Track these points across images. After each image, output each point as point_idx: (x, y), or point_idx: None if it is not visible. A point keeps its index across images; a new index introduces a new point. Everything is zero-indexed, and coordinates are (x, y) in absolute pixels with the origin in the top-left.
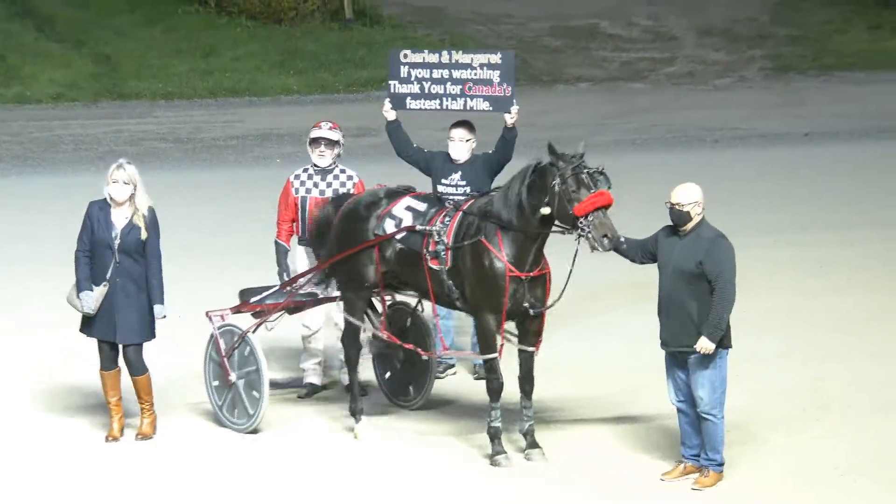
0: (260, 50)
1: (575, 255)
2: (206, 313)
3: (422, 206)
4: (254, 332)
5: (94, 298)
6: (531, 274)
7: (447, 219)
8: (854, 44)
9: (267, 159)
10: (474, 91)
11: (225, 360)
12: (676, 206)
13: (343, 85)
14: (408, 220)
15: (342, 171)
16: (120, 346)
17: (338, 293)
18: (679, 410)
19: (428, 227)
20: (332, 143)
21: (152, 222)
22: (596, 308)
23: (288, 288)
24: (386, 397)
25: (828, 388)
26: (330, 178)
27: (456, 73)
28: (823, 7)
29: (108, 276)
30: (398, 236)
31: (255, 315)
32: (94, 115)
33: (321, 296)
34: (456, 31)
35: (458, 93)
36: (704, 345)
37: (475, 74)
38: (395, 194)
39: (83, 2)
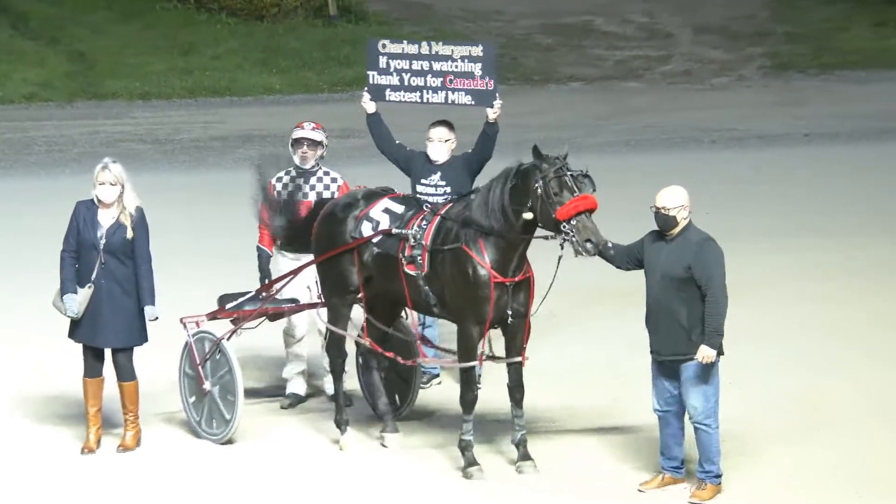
0: (241, 48)
1: (558, 262)
2: (181, 320)
3: (399, 209)
4: (228, 338)
5: (77, 301)
6: (515, 279)
7: (424, 223)
8: (856, 41)
9: (249, 161)
10: (455, 84)
11: (199, 367)
12: (662, 211)
13: (327, 84)
14: (385, 222)
15: (326, 174)
16: (108, 352)
17: (319, 299)
18: (660, 419)
19: (404, 231)
20: (314, 144)
21: (140, 222)
22: (582, 315)
23: (265, 293)
24: (371, 408)
25: (827, 396)
26: (313, 180)
27: (436, 66)
28: (824, 4)
29: (94, 277)
30: (375, 239)
31: (232, 322)
32: (68, 116)
33: (302, 302)
34: (444, 28)
35: (440, 85)
36: (706, 353)
37: (456, 67)
38: (372, 196)
39: None
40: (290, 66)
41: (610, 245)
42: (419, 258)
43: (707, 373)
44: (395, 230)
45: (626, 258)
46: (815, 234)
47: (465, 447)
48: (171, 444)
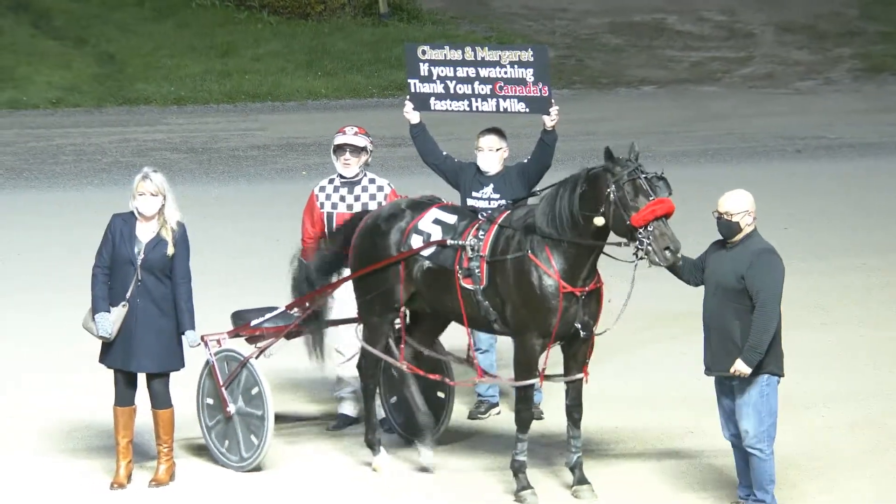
0: (284, 49)
1: (634, 273)
2: (202, 337)
3: (451, 219)
4: (257, 357)
5: (110, 321)
6: (586, 289)
7: (481, 232)
8: None
9: (291, 171)
10: (506, 91)
11: (223, 389)
12: (724, 216)
13: (377, 88)
14: (437, 234)
15: (371, 182)
16: (142, 377)
17: (343, 316)
18: (732, 445)
19: (461, 242)
20: (358, 150)
21: (182, 238)
22: (643, 338)
23: (294, 310)
24: (397, 433)
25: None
26: (357, 189)
27: (484, 72)
28: None
29: (129, 295)
30: (425, 252)
31: (249, 340)
32: (97, 123)
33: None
34: (503, 28)
35: (489, 93)
36: (739, 367)
37: (505, 73)
38: (419, 206)
39: None
40: (336, 68)
41: (680, 256)
42: (477, 270)
43: (761, 393)
44: (450, 241)
45: (693, 271)
46: None
47: (518, 469)
48: (206, 478)
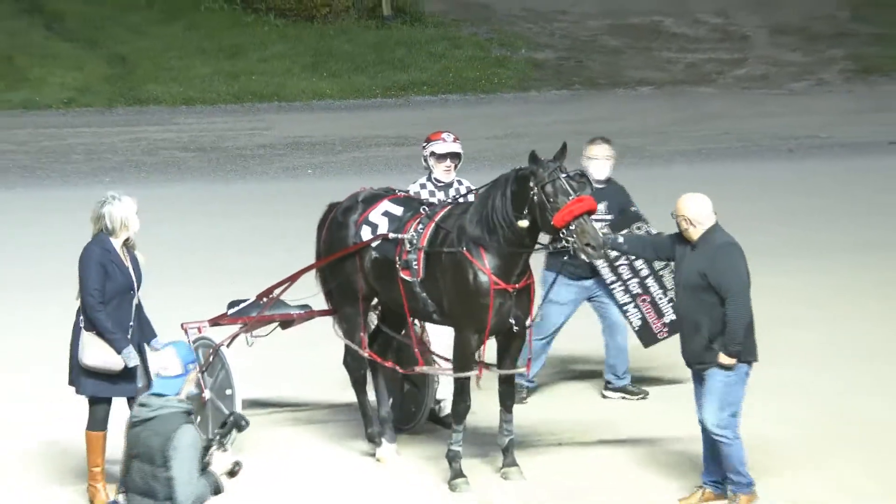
0: (290, 50)
1: (561, 266)
2: (182, 325)
3: (398, 211)
4: (228, 345)
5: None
6: (517, 286)
7: (421, 226)
8: None
9: (297, 170)
10: None
11: (199, 375)
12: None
13: (381, 88)
14: (383, 226)
15: (460, 183)
16: (83, 399)
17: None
18: (702, 430)
19: (401, 235)
20: (457, 157)
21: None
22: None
23: (265, 298)
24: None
25: (873, 416)
26: (451, 192)
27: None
28: None
29: (132, 323)
30: (374, 244)
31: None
32: (108, 122)
33: (315, 309)
34: (504, 30)
35: None
36: (722, 360)
37: None
38: (373, 198)
39: None
40: (341, 69)
41: (621, 240)
42: (414, 263)
43: (724, 381)
44: (391, 235)
45: (653, 249)
46: None
47: (452, 458)
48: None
